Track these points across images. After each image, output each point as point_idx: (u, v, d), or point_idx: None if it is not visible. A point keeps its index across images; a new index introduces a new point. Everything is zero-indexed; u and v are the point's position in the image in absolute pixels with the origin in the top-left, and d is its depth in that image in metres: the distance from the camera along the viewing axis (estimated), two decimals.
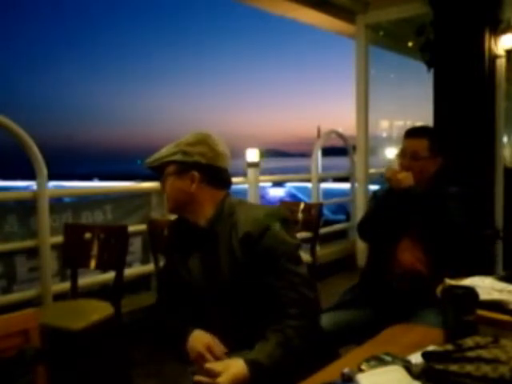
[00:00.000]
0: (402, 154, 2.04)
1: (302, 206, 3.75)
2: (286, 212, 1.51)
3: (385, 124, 5.97)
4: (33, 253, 3.06)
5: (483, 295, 1.38)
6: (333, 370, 1.16)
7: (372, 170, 5.45)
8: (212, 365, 1.29)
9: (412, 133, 2.07)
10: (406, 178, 1.93)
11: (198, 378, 1.28)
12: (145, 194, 3.81)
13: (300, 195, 11.23)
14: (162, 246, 2.66)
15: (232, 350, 1.38)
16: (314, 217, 3.58)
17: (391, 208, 1.97)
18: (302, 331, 1.35)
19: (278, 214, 1.44)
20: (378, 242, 2.08)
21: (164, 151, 1.46)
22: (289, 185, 13.50)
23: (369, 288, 2.04)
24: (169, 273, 1.58)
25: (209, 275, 1.45)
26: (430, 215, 1.90)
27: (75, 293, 2.73)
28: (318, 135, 9.72)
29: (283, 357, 1.31)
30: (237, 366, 1.28)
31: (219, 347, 1.37)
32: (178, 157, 1.43)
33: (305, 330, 1.35)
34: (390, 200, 1.97)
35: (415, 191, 1.92)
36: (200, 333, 1.40)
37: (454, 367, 1.03)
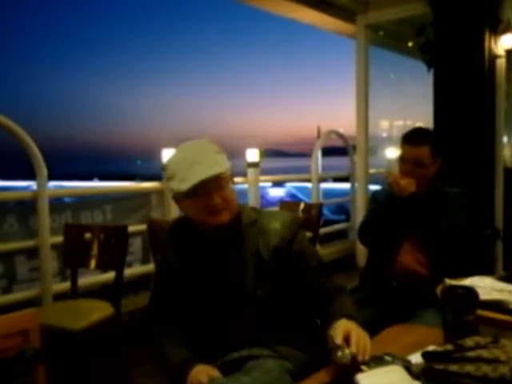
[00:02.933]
0: (403, 161, 1.99)
1: (302, 205, 3.74)
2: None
3: (385, 124, 5.97)
4: (33, 253, 3.06)
5: (483, 295, 1.38)
6: (333, 370, 1.16)
7: (372, 170, 5.45)
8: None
9: (413, 140, 2.00)
10: (409, 185, 1.92)
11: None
12: (145, 194, 3.82)
13: (300, 195, 11.23)
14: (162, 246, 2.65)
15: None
16: (314, 217, 3.58)
17: (393, 213, 1.96)
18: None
19: (299, 220, 1.53)
20: (379, 245, 2.07)
21: (218, 159, 1.38)
22: (289, 185, 13.51)
23: (369, 288, 2.04)
24: (168, 280, 1.51)
25: (231, 282, 1.41)
26: (431, 216, 1.90)
27: (75, 293, 2.73)
28: (318, 135, 9.72)
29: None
30: (341, 325, 1.25)
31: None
32: (229, 162, 1.42)
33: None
34: (392, 205, 1.96)
35: (418, 197, 1.91)
36: (205, 367, 1.35)
37: (454, 367, 1.03)
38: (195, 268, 1.45)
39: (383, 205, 2.02)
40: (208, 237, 1.43)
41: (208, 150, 1.40)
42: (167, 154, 3.74)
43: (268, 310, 1.40)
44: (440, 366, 1.04)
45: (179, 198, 1.40)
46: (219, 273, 1.43)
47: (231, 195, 1.40)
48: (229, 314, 1.41)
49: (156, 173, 4.16)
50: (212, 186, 1.35)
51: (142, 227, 3.35)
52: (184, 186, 1.34)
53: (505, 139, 4.29)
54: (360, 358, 1.14)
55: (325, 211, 5.94)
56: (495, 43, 3.95)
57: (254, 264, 1.40)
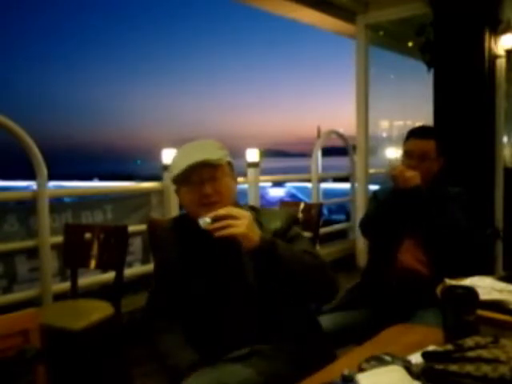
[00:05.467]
0: (409, 155, 2.00)
1: (302, 205, 3.74)
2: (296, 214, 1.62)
3: (385, 124, 5.97)
4: (33, 253, 3.06)
5: (483, 295, 1.38)
6: (333, 370, 1.16)
7: (372, 170, 5.45)
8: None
9: (420, 133, 2.04)
10: (414, 177, 1.92)
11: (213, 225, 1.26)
12: (145, 194, 3.82)
13: (300, 195, 11.24)
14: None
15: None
16: (314, 217, 3.57)
17: (396, 208, 1.96)
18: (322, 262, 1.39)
19: (294, 215, 1.56)
20: (380, 240, 2.07)
21: (217, 152, 1.40)
22: (289, 185, 13.52)
23: (369, 288, 2.04)
24: (168, 278, 1.51)
25: (230, 279, 1.42)
26: (431, 215, 1.90)
27: (75, 293, 2.73)
28: (318, 135, 9.72)
29: (301, 257, 1.33)
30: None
31: None
32: (230, 158, 1.45)
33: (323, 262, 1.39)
34: (396, 200, 1.96)
35: (422, 191, 1.91)
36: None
37: (454, 367, 1.03)
38: (195, 265, 1.46)
39: (387, 200, 2.02)
40: (207, 234, 1.43)
41: (209, 145, 1.44)
42: (167, 154, 3.74)
43: (268, 306, 1.41)
44: (440, 366, 1.04)
45: (177, 187, 1.44)
46: (219, 270, 1.43)
47: (226, 189, 1.41)
48: (229, 311, 1.41)
49: (156, 173, 4.17)
50: (206, 175, 1.38)
51: (142, 227, 3.36)
52: (174, 172, 1.39)
53: (505, 139, 4.29)
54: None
55: (324, 211, 5.95)
56: (495, 43, 3.96)
57: (252, 261, 1.40)
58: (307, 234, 3.65)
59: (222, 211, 1.26)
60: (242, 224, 1.24)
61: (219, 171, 1.40)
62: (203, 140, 1.48)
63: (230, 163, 1.45)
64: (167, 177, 3.75)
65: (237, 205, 1.47)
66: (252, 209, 1.52)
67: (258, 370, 1.31)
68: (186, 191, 1.41)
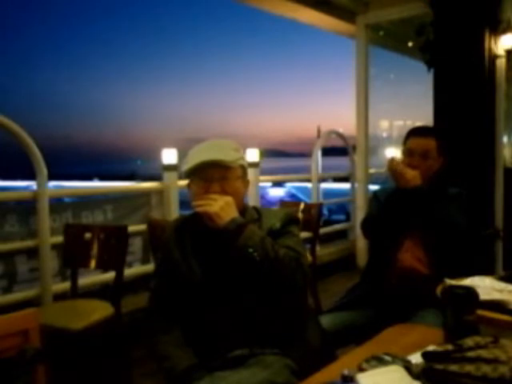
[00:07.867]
0: (410, 153, 2.00)
1: (301, 205, 3.74)
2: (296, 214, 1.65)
3: (385, 124, 5.97)
4: (33, 253, 3.05)
5: (483, 295, 1.38)
6: (333, 370, 1.16)
7: (372, 170, 5.45)
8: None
9: (422, 132, 2.05)
10: (415, 177, 1.92)
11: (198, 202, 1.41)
12: (145, 194, 3.82)
13: (300, 195, 11.26)
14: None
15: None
16: (313, 217, 3.58)
17: (397, 207, 1.96)
18: (297, 260, 1.40)
19: (292, 214, 1.58)
20: (380, 240, 2.07)
21: (230, 153, 1.45)
22: (289, 185, 13.54)
23: (369, 288, 2.04)
24: (169, 277, 1.52)
25: (231, 279, 1.42)
26: (432, 216, 1.90)
27: (75, 293, 2.73)
28: (318, 135, 9.72)
29: (271, 246, 1.36)
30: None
31: None
32: (244, 161, 1.51)
33: (298, 261, 1.40)
34: (397, 199, 1.96)
35: (422, 191, 1.91)
36: None
37: (453, 367, 1.03)
38: (196, 265, 1.46)
39: (388, 200, 2.01)
40: (212, 233, 1.44)
41: (226, 145, 1.48)
42: (167, 154, 3.74)
43: (268, 306, 1.41)
44: (440, 366, 1.04)
45: (189, 179, 1.49)
46: (220, 270, 1.44)
47: (233, 190, 1.44)
48: (229, 311, 1.42)
49: (156, 173, 4.17)
50: (216, 174, 1.43)
51: (142, 227, 3.35)
52: (186, 166, 1.44)
53: (505, 139, 4.29)
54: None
55: (325, 211, 5.94)
56: (495, 43, 3.96)
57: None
58: (307, 234, 3.66)
59: (209, 196, 1.41)
60: (216, 204, 1.37)
61: (230, 173, 1.45)
62: (222, 139, 1.53)
63: (243, 166, 1.50)
64: (167, 177, 3.75)
65: (244, 206, 1.51)
66: (255, 209, 1.55)
67: (255, 375, 1.29)
68: (195, 184, 1.47)
